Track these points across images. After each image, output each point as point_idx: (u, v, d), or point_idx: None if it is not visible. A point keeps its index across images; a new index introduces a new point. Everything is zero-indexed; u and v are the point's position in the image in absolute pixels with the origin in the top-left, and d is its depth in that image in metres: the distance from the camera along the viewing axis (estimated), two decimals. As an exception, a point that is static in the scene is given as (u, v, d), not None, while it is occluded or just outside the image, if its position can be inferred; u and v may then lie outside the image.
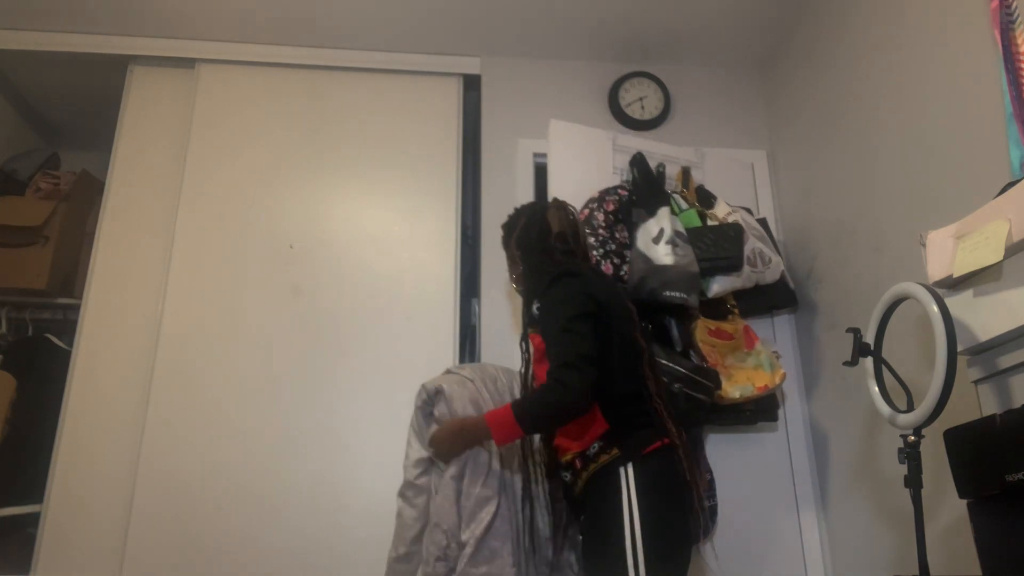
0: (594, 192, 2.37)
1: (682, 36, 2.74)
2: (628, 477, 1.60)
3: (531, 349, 1.81)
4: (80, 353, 2.37)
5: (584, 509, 1.73)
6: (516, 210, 2.00)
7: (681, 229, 2.29)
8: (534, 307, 1.79)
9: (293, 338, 2.41)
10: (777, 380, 2.23)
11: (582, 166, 2.48)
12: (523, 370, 1.85)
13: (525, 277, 1.91)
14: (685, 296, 2.14)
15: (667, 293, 2.13)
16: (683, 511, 1.64)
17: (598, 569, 1.60)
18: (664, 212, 2.29)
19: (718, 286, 2.28)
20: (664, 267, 2.16)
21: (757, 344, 2.29)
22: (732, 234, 2.28)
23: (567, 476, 1.75)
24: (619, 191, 2.38)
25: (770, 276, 2.33)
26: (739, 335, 2.28)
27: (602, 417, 1.66)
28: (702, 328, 2.25)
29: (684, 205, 2.41)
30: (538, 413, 1.66)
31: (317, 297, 2.46)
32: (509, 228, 1.97)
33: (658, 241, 2.22)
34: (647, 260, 2.19)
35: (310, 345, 2.41)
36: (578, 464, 1.70)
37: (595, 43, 2.78)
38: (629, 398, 1.70)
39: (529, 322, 1.82)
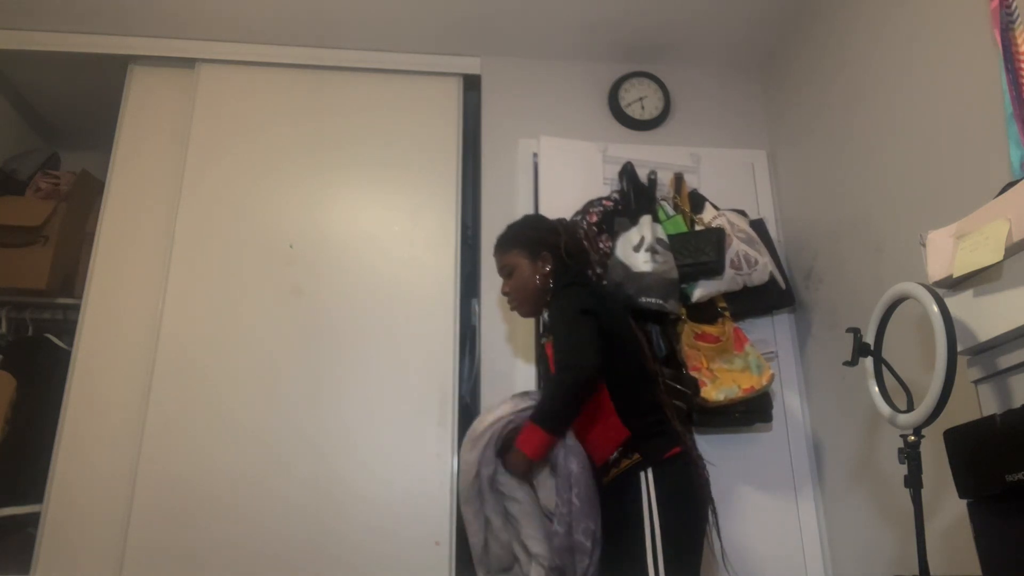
0: (579, 205, 2.45)
1: (682, 36, 2.74)
2: (648, 481, 1.63)
3: (548, 359, 1.84)
4: (80, 353, 2.37)
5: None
6: (518, 220, 1.98)
7: (663, 236, 2.34)
8: (544, 316, 1.80)
9: (293, 338, 2.40)
10: (764, 381, 2.24)
11: (572, 181, 2.58)
12: (543, 382, 1.89)
13: (529, 288, 1.88)
14: (661, 302, 2.18)
15: (643, 299, 2.17)
16: (700, 516, 1.69)
17: (617, 571, 1.61)
18: (646, 220, 2.35)
19: (701, 290, 2.31)
20: (641, 274, 2.21)
21: (746, 346, 2.31)
22: (713, 238, 2.32)
23: None
24: (603, 202, 2.46)
25: (757, 278, 2.34)
26: (727, 338, 2.30)
27: (622, 424, 1.68)
28: (688, 333, 2.30)
29: (671, 212, 2.48)
30: (553, 412, 1.70)
31: (317, 297, 2.46)
32: (517, 237, 1.93)
33: (638, 249, 2.27)
34: (625, 268, 2.25)
35: (310, 345, 2.40)
36: None
37: (595, 43, 2.77)
38: (648, 406, 1.75)
39: (544, 332, 1.83)
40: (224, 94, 2.68)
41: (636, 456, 1.66)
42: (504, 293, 1.93)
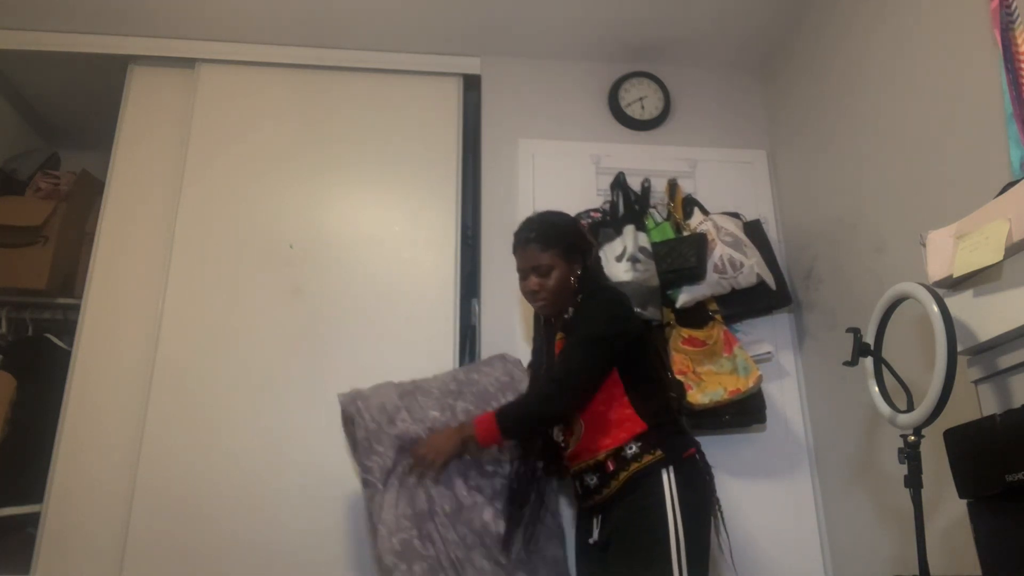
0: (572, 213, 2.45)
1: (682, 36, 2.74)
2: (670, 480, 1.65)
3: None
4: (80, 353, 2.37)
5: (611, 511, 1.74)
6: (554, 219, 1.98)
7: (646, 245, 2.37)
8: (568, 313, 1.81)
9: (293, 338, 2.40)
10: (751, 383, 2.24)
11: (565, 192, 2.58)
12: (539, 371, 1.94)
13: (563, 290, 1.88)
14: (639, 310, 2.21)
15: None
16: (711, 517, 1.72)
17: (639, 569, 1.62)
18: (628, 231, 2.37)
19: (686, 296, 2.34)
20: (620, 284, 2.23)
21: (735, 348, 2.31)
22: (695, 244, 2.33)
23: (592, 480, 1.76)
24: (591, 214, 2.48)
25: (744, 280, 2.34)
26: (715, 341, 2.31)
27: (639, 417, 1.70)
28: (676, 338, 2.32)
29: (659, 219, 2.50)
30: (517, 420, 1.76)
31: (317, 297, 2.46)
32: (561, 237, 1.91)
33: (620, 259, 2.30)
34: (606, 279, 2.26)
35: (310, 345, 2.40)
36: (611, 466, 1.71)
37: (595, 43, 2.77)
38: (662, 406, 1.80)
39: (562, 328, 1.84)
40: (224, 94, 2.68)
41: (659, 452, 1.68)
42: (532, 290, 1.90)
